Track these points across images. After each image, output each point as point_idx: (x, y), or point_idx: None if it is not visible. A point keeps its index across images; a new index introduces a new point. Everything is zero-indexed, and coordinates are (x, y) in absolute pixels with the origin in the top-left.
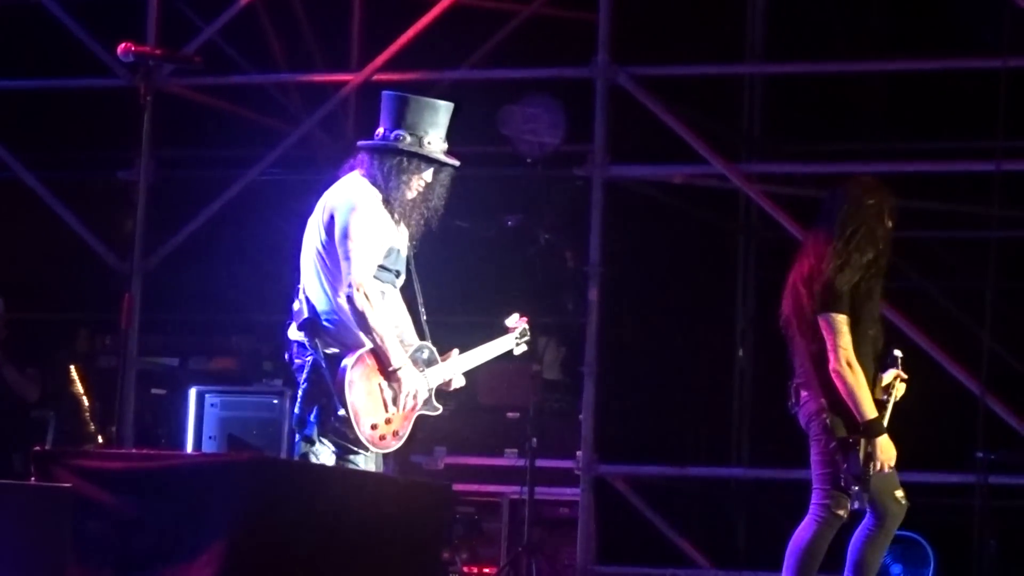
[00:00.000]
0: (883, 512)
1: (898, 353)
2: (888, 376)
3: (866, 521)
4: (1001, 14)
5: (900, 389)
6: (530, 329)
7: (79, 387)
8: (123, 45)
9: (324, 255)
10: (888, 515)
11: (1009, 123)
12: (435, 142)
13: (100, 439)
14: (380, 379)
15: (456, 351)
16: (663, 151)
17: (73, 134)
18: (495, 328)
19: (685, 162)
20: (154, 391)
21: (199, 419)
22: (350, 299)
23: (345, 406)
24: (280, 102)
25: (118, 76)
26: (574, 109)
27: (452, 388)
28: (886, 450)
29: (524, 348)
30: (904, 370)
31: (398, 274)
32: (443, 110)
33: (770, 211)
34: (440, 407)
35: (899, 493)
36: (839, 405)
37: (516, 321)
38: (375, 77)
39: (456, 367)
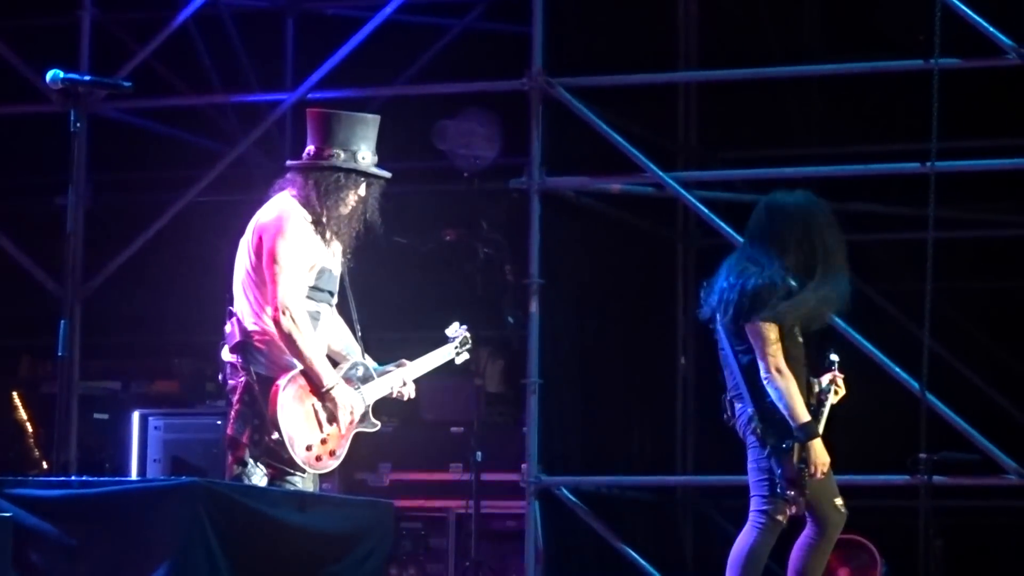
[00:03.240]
0: (823, 520)
1: (834, 357)
2: (824, 380)
3: (807, 530)
4: (932, 15)
5: (838, 394)
6: (471, 340)
7: (22, 414)
8: (52, 72)
9: (253, 277)
10: (828, 523)
11: (942, 124)
12: (367, 156)
13: (45, 465)
14: (314, 399)
15: (406, 361)
16: (600, 162)
17: (9, 160)
18: (435, 343)
19: (622, 172)
20: (96, 416)
21: (143, 442)
22: (277, 322)
23: (279, 429)
24: (216, 123)
25: (52, 102)
26: (509, 122)
27: (406, 398)
28: (820, 455)
29: (466, 357)
30: (841, 373)
31: (332, 293)
32: (372, 123)
33: (707, 217)
34: (378, 423)
35: (838, 500)
36: (771, 412)
37: (456, 330)
38: (310, 95)
39: (397, 379)
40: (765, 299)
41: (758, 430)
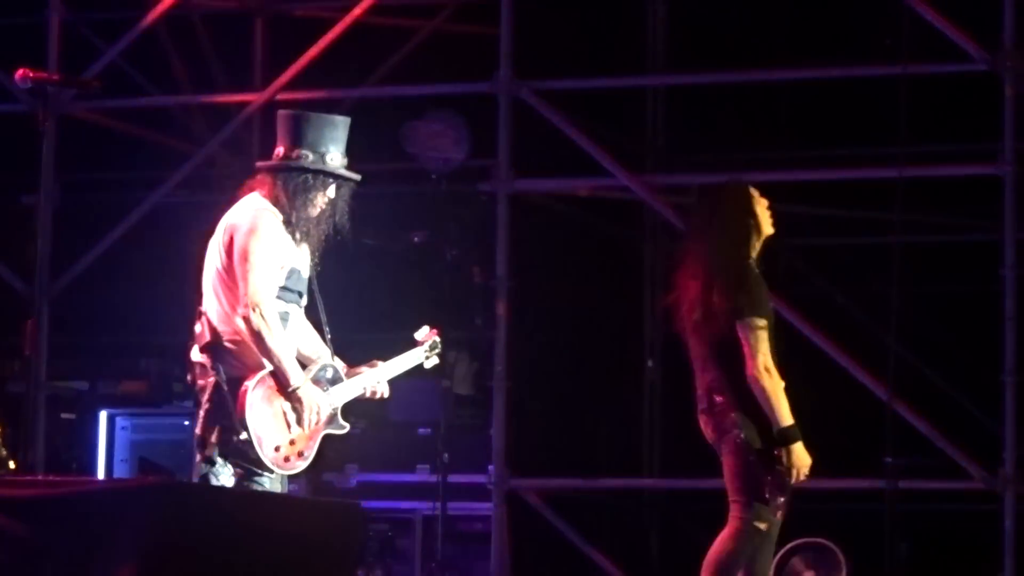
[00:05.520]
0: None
1: None
2: None
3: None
4: (901, 21)
5: None
6: (440, 344)
7: None
8: (20, 72)
9: (224, 276)
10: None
11: (910, 129)
12: (336, 158)
13: (12, 465)
14: (282, 400)
15: (378, 362)
16: (568, 164)
17: None
18: (404, 345)
19: (590, 175)
20: (64, 415)
21: (110, 443)
22: (247, 320)
23: (247, 429)
24: (184, 124)
25: (20, 101)
26: (478, 124)
27: (379, 396)
28: (801, 457)
29: (435, 361)
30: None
31: (301, 294)
32: (341, 125)
33: (675, 221)
34: (347, 425)
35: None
36: (754, 414)
37: (426, 334)
38: (278, 96)
39: (368, 380)
40: (756, 296)
41: (743, 434)
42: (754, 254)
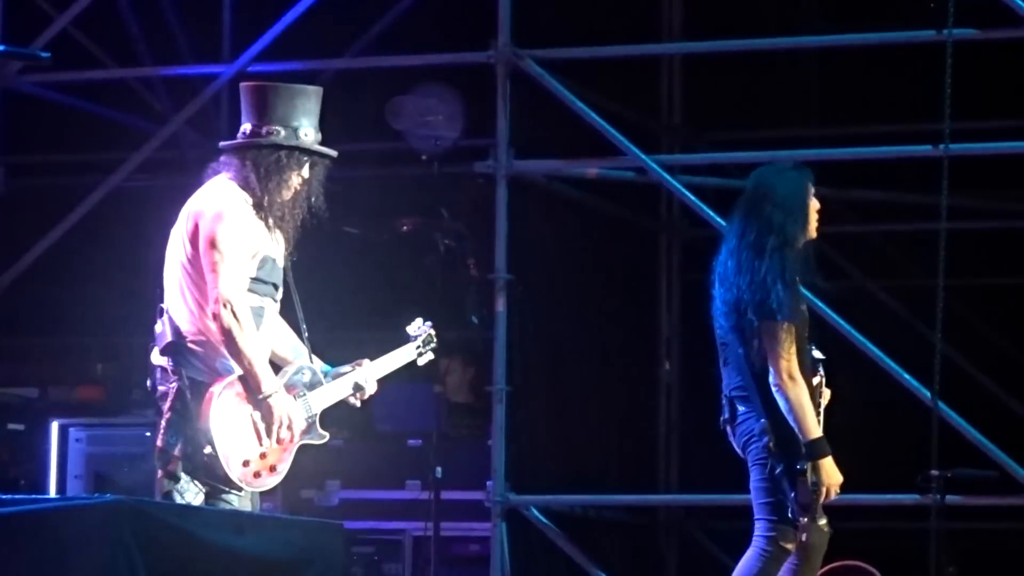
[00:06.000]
0: (805, 543)
1: (818, 355)
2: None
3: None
4: None
5: (826, 397)
6: (435, 339)
7: None
8: None
9: (189, 269)
10: (810, 546)
11: (955, 103)
12: (310, 133)
13: None
14: (252, 409)
15: (365, 361)
16: (574, 144)
17: None
18: (390, 345)
19: (599, 155)
20: (11, 426)
21: (62, 456)
22: (216, 316)
23: (212, 442)
24: (144, 99)
25: None
26: (473, 99)
27: (366, 396)
28: (831, 474)
29: (429, 357)
30: (827, 375)
31: (276, 287)
32: (314, 97)
33: (694, 205)
34: (326, 435)
35: (822, 521)
36: (781, 425)
37: (419, 328)
38: (250, 68)
39: (352, 382)
40: (782, 295)
41: (771, 445)
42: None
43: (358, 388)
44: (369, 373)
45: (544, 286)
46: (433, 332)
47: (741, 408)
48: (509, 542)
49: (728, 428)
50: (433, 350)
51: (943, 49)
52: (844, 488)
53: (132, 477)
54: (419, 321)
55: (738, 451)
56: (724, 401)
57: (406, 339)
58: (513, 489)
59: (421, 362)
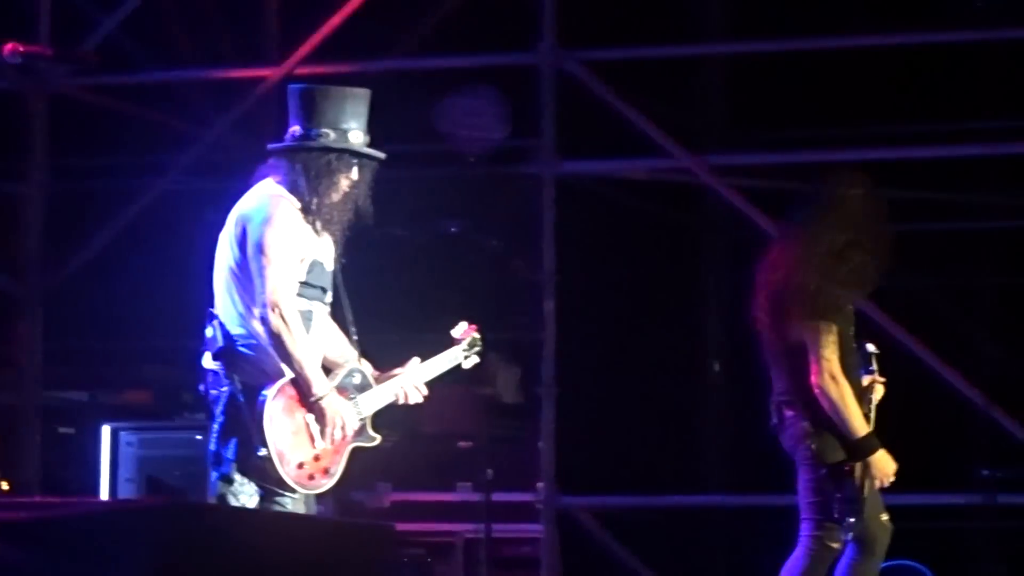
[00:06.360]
0: (868, 537)
1: (872, 348)
2: (864, 380)
3: (848, 550)
4: None
5: (879, 392)
6: (481, 342)
7: None
8: (9, 45)
9: (238, 273)
10: (873, 540)
11: (1004, 101)
12: (359, 135)
13: (4, 486)
14: (304, 411)
15: (416, 359)
16: (620, 145)
17: None
18: (438, 347)
19: (645, 155)
20: (61, 430)
21: (114, 460)
22: (264, 321)
23: (266, 444)
24: (190, 102)
25: (6, 79)
26: (519, 100)
27: (414, 401)
28: (883, 466)
29: (475, 360)
30: (881, 370)
31: (324, 290)
32: (362, 99)
33: (740, 206)
34: (377, 437)
35: (884, 516)
36: (826, 425)
37: (464, 331)
38: (296, 71)
39: (400, 384)
40: (827, 297)
41: (814, 445)
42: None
43: (408, 390)
44: (418, 375)
45: (591, 286)
46: (478, 335)
47: (788, 412)
48: (560, 543)
49: (778, 432)
50: (479, 353)
51: (991, 47)
52: (895, 488)
53: (183, 480)
54: (463, 324)
55: (787, 453)
56: (772, 407)
57: (452, 341)
58: (563, 490)
59: (467, 365)
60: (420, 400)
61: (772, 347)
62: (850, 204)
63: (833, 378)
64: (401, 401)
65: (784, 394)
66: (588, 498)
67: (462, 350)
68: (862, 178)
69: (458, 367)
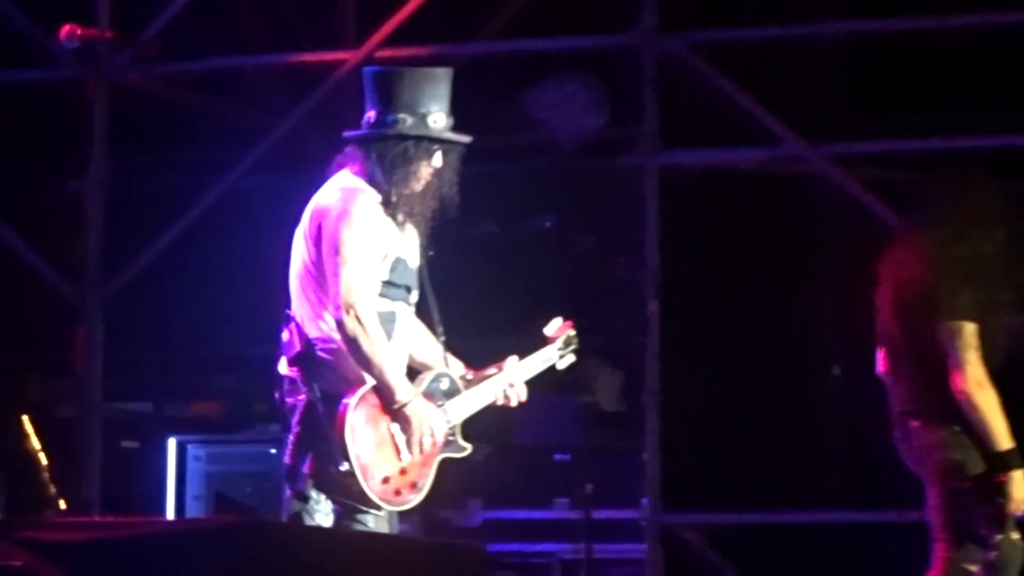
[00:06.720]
0: (1002, 559)
1: None
2: None
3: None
4: None
5: None
6: (576, 340)
7: (33, 443)
8: (66, 28)
9: (314, 273)
10: (1007, 561)
11: None
12: (440, 119)
13: (62, 505)
14: (389, 421)
15: (513, 358)
16: (727, 133)
17: (13, 138)
18: (530, 352)
19: (755, 144)
20: (124, 444)
21: (180, 476)
22: (339, 324)
23: (348, 458)
24: (261, 91)
25: (63, 67)
26: (617, 86)
27: (514, 403)
28: (1020, 488)
29: (571, 359)
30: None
31: (409, 289)
32: (443, 80)
33: (859, 198)
34: (468, 447)
35: (1015, 535)
36: (968, 435)
37: (558, 328)
38: (375, 54)
39: (495, 386)
40: (966, 296)
41: (952, 456)
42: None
43: (505, 392)
44: (515, 375)
45: (698, 286)
46: (574, 332)
47: (913, 424)
48: (666, 564)
49: (901, 446)
50: (575, 351)
51: None
52: None
53: (255, 498)
54: (558, 321)
55: (914, 470)
56: (894, 418)
57: (545, 340)
58: (669, 507)
59: (561, 365)
60: (520, 401)
61: (899, 352)
62: (987, 199)
63: (980, 384)
64: (500, 402)
65: (910, 403)
66: (696, 515)
67: (557, 349)
68: (992, 171)
69: (552, 368)
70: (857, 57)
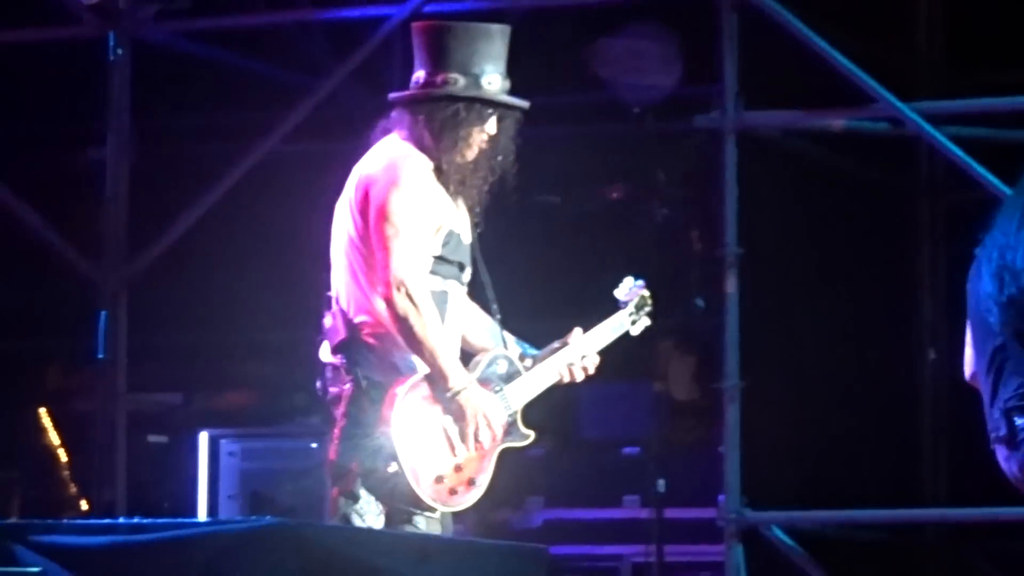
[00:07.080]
0: None
1: None
2: None
3: None
4: None
5: None
6: (650, 302)
7: (52, 438)
8: None
9: (360, 247)
10: None
11: None
12: (495, 80)
13: (84, 505)
14: (441, 412)
15: (578, 330)
16: (813, 92)
17: (28, 102)
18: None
19: (844, 104)
20: (151, 438)
21: (213, 473)
22: (389, 302)
23: (396, 456)
24: (301, 48)
25: (83, 23)
26: (691, 40)
27: (579, 379)
28: None
29: (645, 323)
30: None
31: (462, 267)
32: (499, 37)
33: (963, 162)
34: (530, 434)
35: None
36: None
37: (630, 290)
38: (425, 7)
39: (560, 363)
40: None
41: None
42: None
43: (571, 367)
44: (584, 348)
45: (781, 262)
46: (647, 293)
47: (1019, 421)
48: (746, 567)
49: (1001, 447)
50: (649, 315)
51: None
52: None
53: (295, 497)
54: (629, 281)
55: (1011, 477)
56: (998, 415)
57: (616, 306)
58: (750, 505)
59: (635, 332)
60: (590, 374)
61: (1009, 349)
62: None
63: None
64: (567, 379)
65: (1018, 399)
66: (779, 513)
67: (629, 313)
68: None
69: (626, 335)
70: (955, 6)
